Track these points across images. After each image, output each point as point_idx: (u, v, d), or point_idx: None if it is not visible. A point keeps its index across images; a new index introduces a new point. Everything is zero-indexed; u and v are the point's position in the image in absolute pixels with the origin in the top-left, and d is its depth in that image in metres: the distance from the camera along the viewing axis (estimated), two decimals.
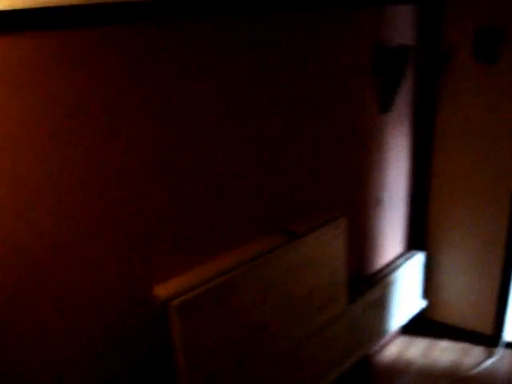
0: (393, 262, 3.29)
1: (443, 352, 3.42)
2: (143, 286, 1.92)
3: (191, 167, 1.97)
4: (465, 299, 3.43)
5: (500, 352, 3.37)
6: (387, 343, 3.46)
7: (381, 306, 3.10)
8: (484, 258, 3.29)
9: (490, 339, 3.42)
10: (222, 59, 1.98)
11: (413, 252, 3.39)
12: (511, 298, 3.31)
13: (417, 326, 3.59)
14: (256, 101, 2.16)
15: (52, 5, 1.42)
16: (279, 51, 2.20)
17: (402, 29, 2.85)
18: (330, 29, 2.42)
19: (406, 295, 3.33)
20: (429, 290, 3.54)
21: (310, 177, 2.54)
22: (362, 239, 2.99)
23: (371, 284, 3.04)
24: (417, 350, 3.46)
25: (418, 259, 3.36)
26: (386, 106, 2.84)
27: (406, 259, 3.31)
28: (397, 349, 3.46)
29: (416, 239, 3.45)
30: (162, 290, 1.95)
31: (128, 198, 1.79)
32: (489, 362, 3.31)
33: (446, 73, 3.08)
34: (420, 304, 3.51)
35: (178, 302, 1.90)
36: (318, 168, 2.57)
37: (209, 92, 1.96)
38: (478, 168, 3.15)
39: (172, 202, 1.94)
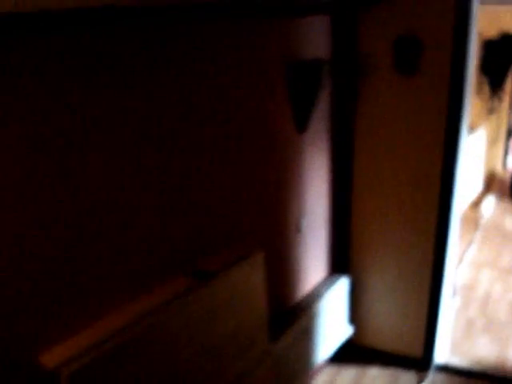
0: (317, 288, 3.07)
1: (373, 380, 3.22)
2: (26, 352, 1.56)
3: (74, 206, 1.63)
4: (393, 323, 3.26)
5: (431, 376, 3.21)
6: (315, 374, 3.22)
7: (307, 338, 2.86)
8: (411, 279, 3.13)
9: (421, 362, 3.26)
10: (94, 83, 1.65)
11: (337, 276, 3.18)
12: (440, 320, 3.17)
13: (345, 354, 3.38)
14: (149, 126, 1.85)
15: None
16: (176, 69, 1.91)
17: (316, 41, 2.64)
18: (236, 44, 2.17)
19: (333, 322, 3.11)
20: (356, 315, 3.34)
21: (221, 208, 2.26)
22: (282, 269, 2.75)
23: (295, 316, 2.80)
24: (346, 379, 3.25)
25: (343, 283, 3.15)
26: (302, 124, 2.61)
27: (331, 284, 3.10)
28: (325, 379, 3.23)
29: (340, 263, 3.25)
30: (50, 357, 1.60)
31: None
32: None
33: (365, 86, 2.89)
34: (347, 330, 3.30)
35: (71, 371, 1.57)
36: (229, 198, 2.30)
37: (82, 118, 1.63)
38: (402, 187, 2.99)
39: (57, 248, 1.59)
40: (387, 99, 2.87)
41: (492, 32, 4.78)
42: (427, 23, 2.65)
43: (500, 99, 5.42)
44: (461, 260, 4.53)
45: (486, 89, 4.99)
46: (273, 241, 2.62)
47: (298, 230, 2.80)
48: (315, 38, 2.64)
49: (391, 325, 3.27)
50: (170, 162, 1.93)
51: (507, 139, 6.60)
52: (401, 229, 3.08)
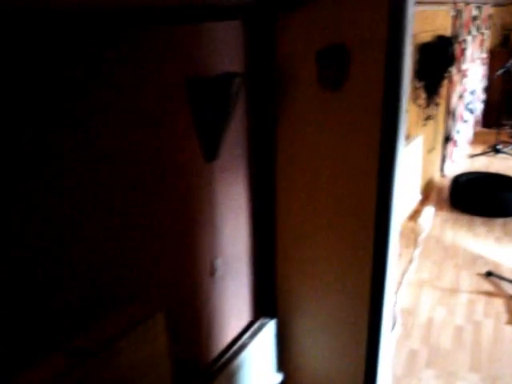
0: (240, 337, 2.62)
1: None
2: None
3: None
4: (328, 365, 2.86)
5: None
6: None
7: None
8: (346, 315, 2.74)
9: None
10: None
11: (263, 320, 2.74)
12: (380, 357, 2.79)
13: None
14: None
15: None
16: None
17: (226, 52, 2.21)
18: (122, 59, 1.69)
19: (259, 373, 2.68)
20: (285, 361, 2.92)
21: (110, 261, 1.77)
22: (196, 323, 2.29)
23: (212, 376, 2.34)
24: None
25: (270, 328, 2.72)
26: (211, 151, 2.16)
27: (256, 330, 2.66)
28: None
29: (265, 305, 2.81)
30: None
31: None
32: None
33: (286, 103, 2.48)
34: (276, 379, 2.87)
35: None
36: (121, 247, 1.81)
37: None
38: (333, 213, 2.59)
39: None
40: (312, 117, 2.47)
41: (426, 34, 4.47)
42: (356, 30, 2.26)
43: (437, 104, 5.13)
44: (400, 282, 4.18)
45: (422, 95, 4.69)
46: (181, 291, 2.17)
47: (213, 273, 2.35)
48: (225, 49, 2.20)
49: (326, 368, 2.87)
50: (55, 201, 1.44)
51: (444, 145, 6.35)
52: (333, 260, 2.68)
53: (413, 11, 2.24)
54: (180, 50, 1.95)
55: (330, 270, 2.70)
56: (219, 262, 2.38)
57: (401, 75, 2.33)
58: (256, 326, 2.71)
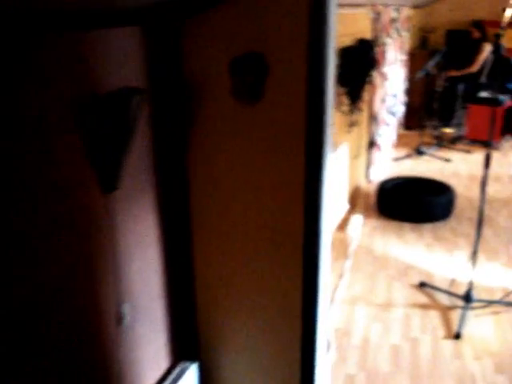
0: None
1: None
2: None
3: None
4: None
5: None
6: None
7: None
8: (276, 347, 2.46)
9: None
10: None
11: (183, 365, 2.43)
12: None
13: None
14: None
15: None
16: None
17: (124, 64, 1.88)
18: None
19: None
20: None
21: None
22: (102, 379, 1.94)
23: None
24: None
25: (191, 373, 2.40)
26: (109, 181, 1.83)
27: (176, 378, 2.34)
28: None
29: (185, 348, 2.49)
30: None
31: None
32: None
33: (198, 120, 2.17)
34: None
35: None
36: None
37: None
38: (256, 241, 2.31)
39: None
40: (228, 134, 2.18)
41: (347, 38, 4.28)
42: (275, 37, 1.98)
43: (360, 110, 4.96)
44: (332, 300, 3.96)
45: (345, 101, 4.49)
46: (83, 345, 1.82)
47: (120, 320, 2.01)
48: (121, 60, 1.87)
49: None
50: None
51: (369, 151, 6.22)
52: (259, 289, 2.40)
53: (335, 14, 1.99)
54: (66, 63, 1.61)
55: (257, 300, 2.42)
56: (127, 307, 2.05)
57: (325, 84, 2.08)
58: (176, 372, 2.38)
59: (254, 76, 2.03)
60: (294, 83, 2.04)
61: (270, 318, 2.43)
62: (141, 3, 1.72)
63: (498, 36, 3.11)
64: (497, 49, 3.15)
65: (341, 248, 4.71)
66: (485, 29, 8.08)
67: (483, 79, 6.97)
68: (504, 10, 3.12)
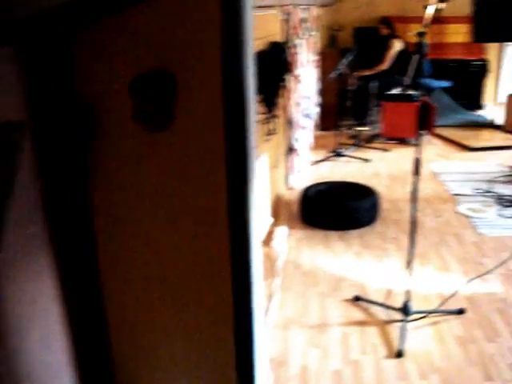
0: None
1: None
2: None
3: None
4: None
5: None
6: None
7: None
8: None
9: None
10: None
11: None
12: None
13: None
14: None
15: None
16: None
17: None
18: None
19: None
20: None
21: None
22: None
23: None
24: None
25: None
26: None
27: None
28: None
29: None
30: None
31: None
32: None
33: (99, 150, 1.80)
34: None
35: None
36: None
37: None
38: (178, 282, 1.97)
39: None
40: (136, 166, 1.82)
41: (259, 41, 3.98)
42: (183, 52, 1.64)
43: (276, 117, 4.69)
44: (264, 325, 3.65)
45: (262, 109, 4.20)
46: None
47: None
48: None
49: None
50: None
51: (287, 157, 5.97)
52: (184, 340, 2.07)
53: (251, 21, 1.67)
54: None
55: (186, 356, 2.08)
56: None
57: (245, 98, 1.77)
58: None
59: (160, 96, 1.68)
60: (209, 101, 1.72)
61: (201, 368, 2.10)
62: (5, 19, 1.32)
63: (421, 34, 2.90)
64: (420, 47, 2.95)
65: (267, 264, 4.41)
66: (393, 25, 8.06)
67: (407, 80, 6.88)
68: (425, 8, 2.92)
